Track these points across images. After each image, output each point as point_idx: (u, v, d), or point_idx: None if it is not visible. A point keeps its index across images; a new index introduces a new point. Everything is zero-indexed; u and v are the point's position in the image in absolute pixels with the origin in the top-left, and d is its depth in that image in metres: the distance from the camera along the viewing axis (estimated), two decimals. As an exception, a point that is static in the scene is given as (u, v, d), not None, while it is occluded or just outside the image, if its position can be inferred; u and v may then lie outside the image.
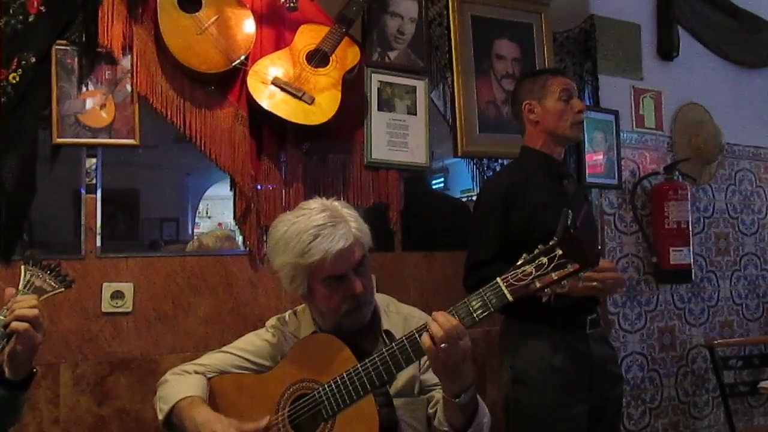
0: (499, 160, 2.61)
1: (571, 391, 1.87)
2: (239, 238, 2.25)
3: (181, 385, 1.47)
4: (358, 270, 1.40)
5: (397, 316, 1.51)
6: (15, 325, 1.22)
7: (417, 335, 1.28)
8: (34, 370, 1.31)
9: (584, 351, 1.91)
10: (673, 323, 3.03)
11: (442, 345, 1.21)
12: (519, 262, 1.24)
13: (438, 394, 1.40)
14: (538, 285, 1.22)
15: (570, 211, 1.24)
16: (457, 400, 1.28)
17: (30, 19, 1.90)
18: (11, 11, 1.88)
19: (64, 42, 1.95)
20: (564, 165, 1.98)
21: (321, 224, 1.35)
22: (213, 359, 1.55)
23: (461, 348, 1.23)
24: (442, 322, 1.23)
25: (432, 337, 1.22)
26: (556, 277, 1.21)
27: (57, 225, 2.05)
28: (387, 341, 1.42)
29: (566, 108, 1.97)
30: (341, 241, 1.34)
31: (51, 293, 1.34)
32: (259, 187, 2.16)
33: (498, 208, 1.92)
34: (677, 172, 3.00)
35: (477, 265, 1.88)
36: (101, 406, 1.94)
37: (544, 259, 1.22)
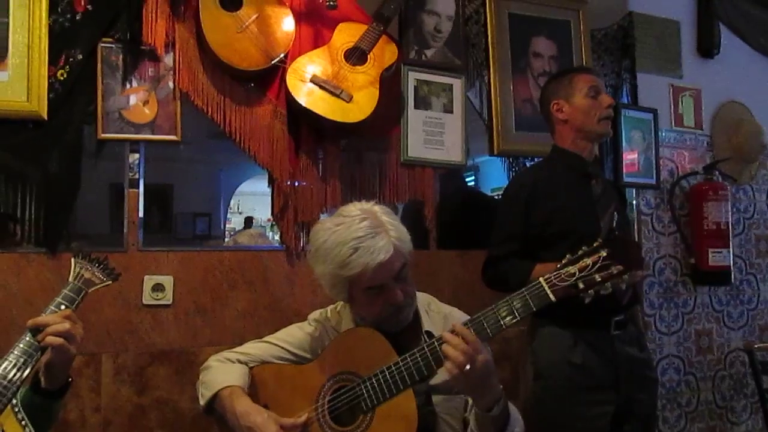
0: (535, 159, 2.59)
1: (592, 390, 1.85)
2: (269, 235, 2.27)
3: (223, 373, 1.50)
4: (398, 278, 1.40)
5: (438, 315, 1.51)
6: (48, 340, 1.25)
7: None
8: (69, 379, 1.35)
9: (607, 351, 1.87)
10: (711, 326, 2.98)
11: (463, 365, 1.21)
12: (563, 263, 1.23)
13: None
14: (581, 286, 1.21)
15: (616, 213, 1.23)
16: (489, 413, 1.27)
17: (77, 17, 1.95)
18: (59, 9, 1.93)
19: (110, 39, 2.00)
20: (594, 164, 1.95)
21: (361, 236, 1.34)
22: (255, 349, 1.58)
23: (479, 364, 1.22)
24: (455, 343, 1.23)
25: (446, 357, 1.23)
26: (599, 279, 1.21)
27: (100, 218, 2.09)
28: (428, 340, 1.42)
29: (594, 104, 1.96)
30: (381, 254, 1.33)
31: (99, 285, 1.41)
32: (296, 183, 2.18)
33: (518, 206, 1.94)
34: (717, 172, 2.95)
35: (492, 260, 1.94)
36: (141, 396, 1.99)
37: (588, 261, 1.21)
